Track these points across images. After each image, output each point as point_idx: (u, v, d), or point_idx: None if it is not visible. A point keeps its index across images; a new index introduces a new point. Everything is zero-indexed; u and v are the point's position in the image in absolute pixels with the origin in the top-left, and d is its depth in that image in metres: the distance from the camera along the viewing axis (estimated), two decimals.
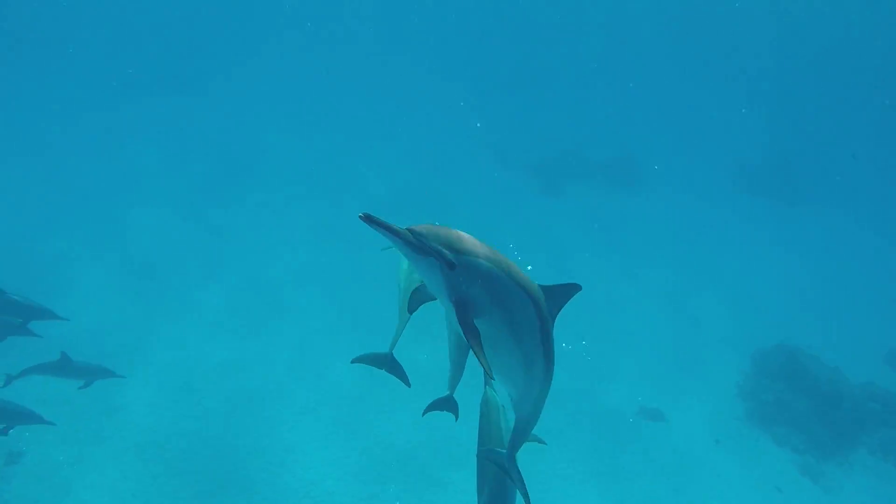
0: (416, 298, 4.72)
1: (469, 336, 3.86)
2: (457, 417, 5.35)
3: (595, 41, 52.68)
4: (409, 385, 5.55)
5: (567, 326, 5.51)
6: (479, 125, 31.28)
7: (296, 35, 45.93)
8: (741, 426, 15.23)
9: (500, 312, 3.99)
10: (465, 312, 3.91)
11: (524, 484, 4.68)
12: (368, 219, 3.48)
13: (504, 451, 4.83)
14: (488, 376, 3.96)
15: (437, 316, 4.57)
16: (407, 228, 3.67)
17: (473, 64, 45.25)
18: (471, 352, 4.12)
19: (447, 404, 5.44)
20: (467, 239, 3.85)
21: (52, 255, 16.69)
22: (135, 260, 17.09)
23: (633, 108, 42.30)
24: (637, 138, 35.52)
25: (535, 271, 4.48)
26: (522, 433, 4.74)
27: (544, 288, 4.15)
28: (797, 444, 14.57)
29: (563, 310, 4.20)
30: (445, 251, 3.74)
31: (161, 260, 17.29)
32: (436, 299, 4.31)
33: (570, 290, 4.22)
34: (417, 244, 3.70)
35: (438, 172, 26.00)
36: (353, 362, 5.73)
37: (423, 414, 5.26)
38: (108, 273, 16.36)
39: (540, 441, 5.16)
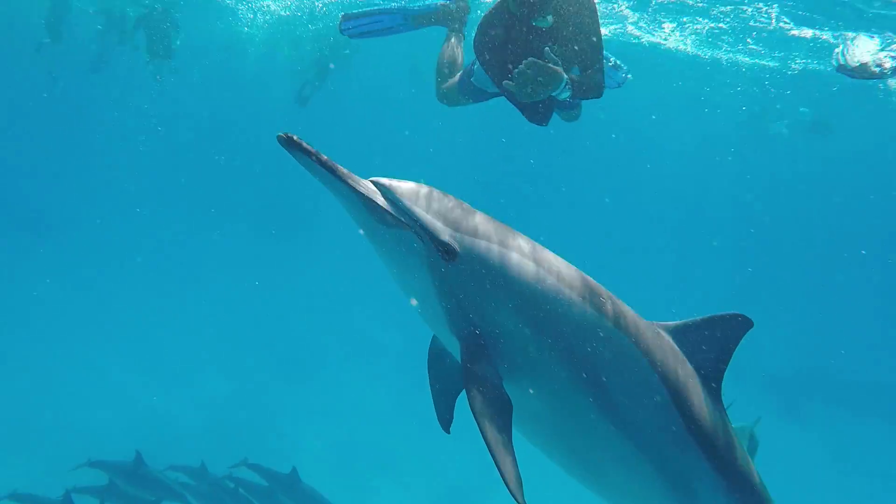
0: (441, 374, 2.57)
1: (483, 414, 1.92)
2: None
3: (855, 243, 49.43)
4: None
5: None
6: None
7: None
8: None
9: (561, 360, 2.13)
10: (477, 358, 1.95)
11: None
12: (290, 143, 2.05)
13: None
14: (516, 501, 2.04)
15: None
16: (371, 180, 2.13)
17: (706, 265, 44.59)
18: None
19: None
20: (478, 214, 2.16)
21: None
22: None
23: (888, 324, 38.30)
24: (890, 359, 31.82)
25: None
26: None
27: (676, 329, 2.48)
28: None
29: None
30: (437, 223, 2.02)
31: None
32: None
33: (732, 325, 2.54)
34: (386, 206, 2.03)
35: None
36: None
37: None
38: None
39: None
